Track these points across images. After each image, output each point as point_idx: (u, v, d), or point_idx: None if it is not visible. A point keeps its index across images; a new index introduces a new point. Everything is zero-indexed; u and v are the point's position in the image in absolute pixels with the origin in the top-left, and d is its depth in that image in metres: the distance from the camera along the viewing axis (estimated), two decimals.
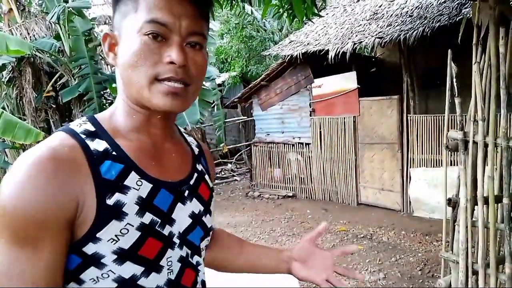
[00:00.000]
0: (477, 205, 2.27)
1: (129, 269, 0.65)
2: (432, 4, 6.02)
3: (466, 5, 5.18)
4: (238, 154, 11.44)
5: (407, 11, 6.35)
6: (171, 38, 0.68)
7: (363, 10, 7.48)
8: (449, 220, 2.54)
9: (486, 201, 2.23)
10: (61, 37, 6.98)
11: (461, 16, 4.98)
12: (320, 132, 7.32)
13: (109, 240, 0.63)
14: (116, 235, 0.63)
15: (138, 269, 0.66)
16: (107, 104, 8.92)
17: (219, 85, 12.42)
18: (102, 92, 7.68)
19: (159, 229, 0.69)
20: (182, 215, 0.75)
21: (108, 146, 0.67)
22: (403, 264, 4.19)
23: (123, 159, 0.68)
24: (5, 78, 7.56)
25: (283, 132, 8.03)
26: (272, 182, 8.25)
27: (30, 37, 6.84)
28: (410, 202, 6.08)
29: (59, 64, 7.33)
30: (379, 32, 6.13)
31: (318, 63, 6.98)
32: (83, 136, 0.66)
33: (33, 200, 0.57)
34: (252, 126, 9.60)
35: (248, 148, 10.05)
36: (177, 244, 0.73)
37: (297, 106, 7.72)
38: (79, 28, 7.01)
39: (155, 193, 0.69)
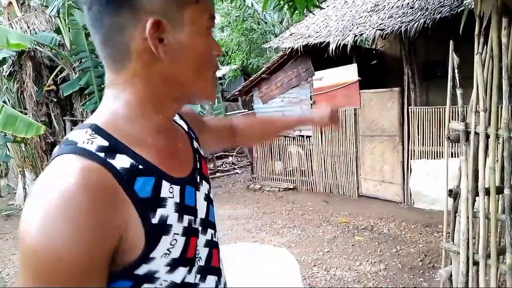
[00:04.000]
0: (478, 196, 2.28)
1: (180, 273, 0.64)
2: None
3: None
4: (239, 147, 11.44)
5: (408, 3, 6.31)
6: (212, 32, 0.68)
7: (364, 2, 7.42)
8: (450, 211, 2.55)
9: (487, 192, 2.24)
10: (61, 31, 6.96)
11: (463, 7, 4.95)
12: None
13: (162, 256, 0.60)
14: (167, 249, 0.61)
15: (185, 271, 0.65)
16: None
17: (220, 78, 12.40)
18: (103, 86, 7.68)
19: (194, 226, 0.68)
20: (201, 201, 0.73)
21: (133, 161, 0.59)
22: (404, 255, 4.21)
23: (152, 170, 0.61)
24: (6, 72, 7.56)
25: None
26: (273, 174, 8.26)
27: (30, 31, 6.82)
28: (410, 194, 6.09)
29: (59, 58, 7.31)
30: (380, 24, 6.10)
31: (319, 56, 6.96)
32: (102, 155, 0.56)
33: (72, 239, 0.48)
34: None
35: None
36: (200, 231, 0.71)
37: (298, 98, 7.71)
38: (79, 22, 6.97)
39: (183, 193, 0.67)
